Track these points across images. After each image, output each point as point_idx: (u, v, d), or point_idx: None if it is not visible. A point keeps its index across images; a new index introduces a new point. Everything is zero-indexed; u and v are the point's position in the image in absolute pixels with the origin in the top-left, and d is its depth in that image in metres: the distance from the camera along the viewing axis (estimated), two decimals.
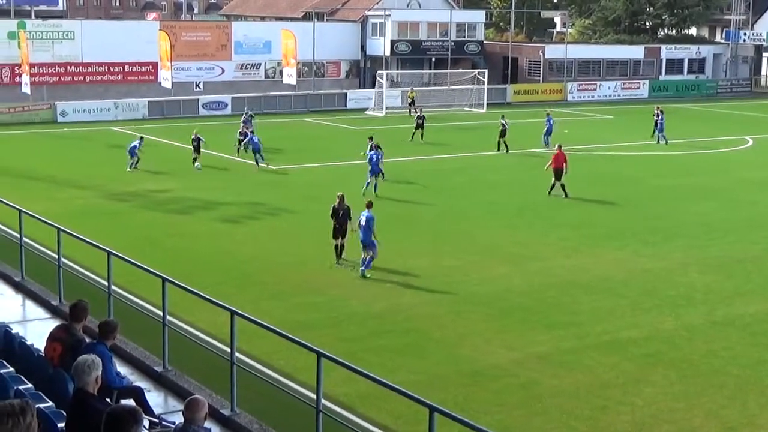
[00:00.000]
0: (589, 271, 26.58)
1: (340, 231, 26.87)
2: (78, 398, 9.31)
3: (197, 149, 43.08)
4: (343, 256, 26.72)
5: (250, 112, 52.50)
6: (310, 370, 12.39)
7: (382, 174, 37.33)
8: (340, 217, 26.84)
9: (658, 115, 53.32)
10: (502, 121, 48.89)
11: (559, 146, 38.26)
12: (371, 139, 39.31)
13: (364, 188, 35.58)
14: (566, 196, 36.60)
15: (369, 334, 21.13)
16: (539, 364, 19.40)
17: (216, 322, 18.60)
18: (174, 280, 14.98)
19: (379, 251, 25.77)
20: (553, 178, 37.29)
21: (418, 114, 52.43)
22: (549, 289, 24.78)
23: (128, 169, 40.78)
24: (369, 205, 26.53)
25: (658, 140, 52.40)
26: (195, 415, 9.58)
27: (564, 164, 37.21)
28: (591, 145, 50.95)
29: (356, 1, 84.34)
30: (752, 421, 16.83)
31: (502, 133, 48.39)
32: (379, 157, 36.98)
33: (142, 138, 42.66)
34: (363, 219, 25.86)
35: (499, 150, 48.21)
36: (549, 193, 36.99)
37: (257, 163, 42.17)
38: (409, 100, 66.63)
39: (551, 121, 51.33)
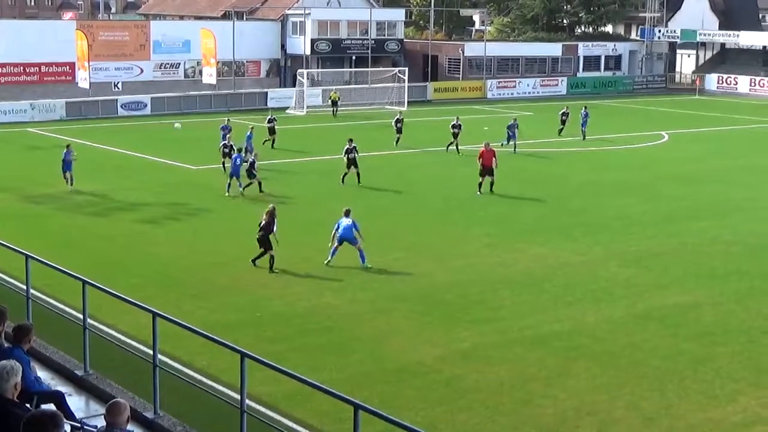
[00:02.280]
0: (512, 267, 26.85)
1: (261, 242, 26.32)
2: None
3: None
4: (272, 269, 26.10)
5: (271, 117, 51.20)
6: (234, 370, 12.31)
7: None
8: (263, 226, 26.34)
9: (566, 114, 54.97)
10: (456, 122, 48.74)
11: (487, 144, 38.40)
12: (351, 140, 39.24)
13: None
14: (491, 191, 37.06)
15: (293, 333, 21.08)
16: (463, 360, 19.54)
17: (138, 324, 18.40)
18: (94, 283, 14.77)
19: (279, 250, 25.80)
20: (480, 177, 37.43)
21: (398, 118, 51.12)
22: (472, 285, 24.97)
23: (70, 187, 36.90)
24: (347, 213, 26.83)
25: (584, 136, 53.41)
26: (117, 419, 9.47)
27: (493, 161, 37.40)
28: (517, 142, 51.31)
29: (276, 0, 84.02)
30: (670, 411, 17.14)
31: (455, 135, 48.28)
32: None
33: (68, 146, 38.08)
34: (341, 226, 26.41)
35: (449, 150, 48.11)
36: (479, 192, 37.18)
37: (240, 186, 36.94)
38: (331, 101, 66.49)
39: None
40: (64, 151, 37.35)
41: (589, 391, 17.94)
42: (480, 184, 37.39)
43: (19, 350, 11.80)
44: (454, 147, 47.37)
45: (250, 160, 37.14)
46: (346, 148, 38.85)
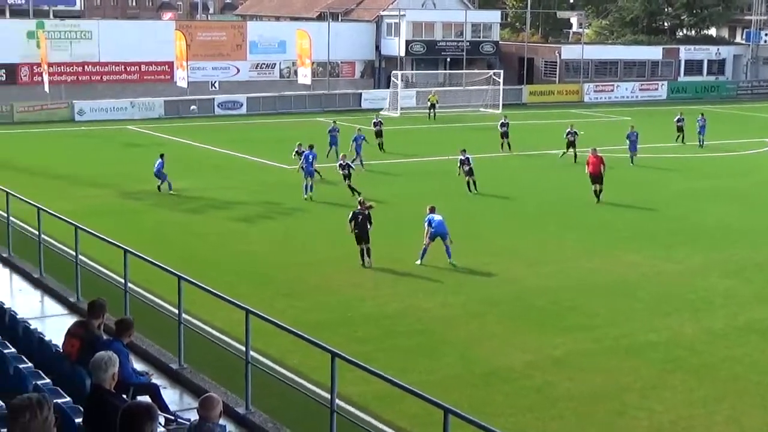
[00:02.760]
0: (606, 274, 26.44)
1: (362, 237, 26.62)
2: (95, 394, 9.30)
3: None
4: (367, 262, 26.50)
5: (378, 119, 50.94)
6: (324, 369, 12.34)
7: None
8: (360, 222, 26.65)
9: (681, 121, 53.25)
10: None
11: (594, 150, 37.38)
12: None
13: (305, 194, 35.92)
14: (598, 201, 36.15)
15: (383, 334, 21.08)
16: (554, 367, 19.29)
17: (231, 320, 18.54)
18: (190, 279, 14.95)
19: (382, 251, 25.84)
20: (592, 184, 36.50)
21: (502, 121, 50.45)
22: (565, 291, 24.65)
23: (170, 191, 36.72)
24: (432, 210, 26.93)
25: (701, 143, 52.19)
26: (210, 413, 9.56)
27: (601, 168, 36.40)
28: (608, 147, 50.64)
29: (371, 1, 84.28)
30: None
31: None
32: (314, 157, 36.90)
33: (162, 155, 37.82)
34: (434, 221, 26.52)
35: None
36: (597, 201, 36.25)
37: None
38: (429, 104, 66.27)
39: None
40: (159, 161, 37.26)
41: (686, 405, 17.54)
42: (595, 191, 36.33)
43: (118, 343, 12.02)
44: (572, 155, 45.68)
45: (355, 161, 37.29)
46: (459, 159, 38.16)
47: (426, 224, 26.77)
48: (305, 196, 35.76)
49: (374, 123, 49.79)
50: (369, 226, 26.68)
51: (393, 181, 40.49)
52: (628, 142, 46.27)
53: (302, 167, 36.54)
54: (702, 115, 54.16)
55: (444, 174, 40.74)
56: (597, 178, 36.37)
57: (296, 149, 39.59)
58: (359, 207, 27.14)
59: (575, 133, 46.46)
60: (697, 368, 19.43)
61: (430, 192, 37.55)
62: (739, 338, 21.41)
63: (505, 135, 48.35)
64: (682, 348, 20.61)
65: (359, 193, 33.70)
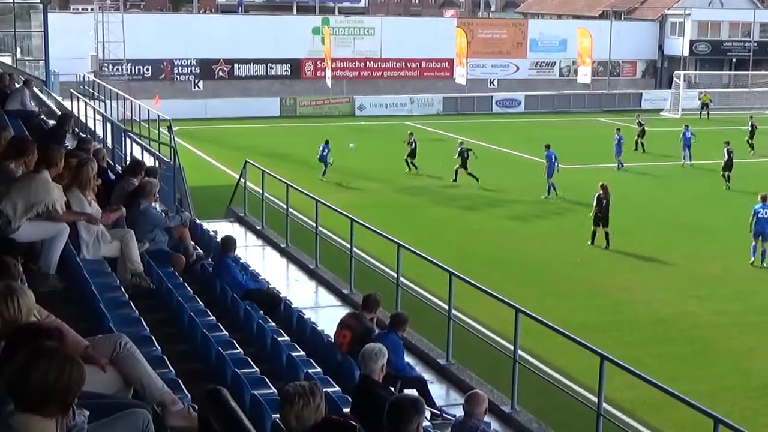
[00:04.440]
0: None
1: (600, 219, 28.27)
2: (363, 385, 9.63)
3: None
4: (608, 246, 28.07)
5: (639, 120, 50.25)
6: (592, 372, 12.29)
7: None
8: (603, 206, 28.13)
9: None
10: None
11: None
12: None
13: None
14: None
15: (652, 339, 20.75)
16: None
17: (499, 318, 18.72)
18: (460, 275, 15.19)
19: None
20: None
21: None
22: None
23: (322, 178, 38.31)
24: (764, 199, 26.76)
25: None
26: (475, 410, 9.71)
27: None
28: None
29: (655, 0, 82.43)
30: None
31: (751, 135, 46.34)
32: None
33: (327, 142, 39.57)
34: (764, 212, 26.37)
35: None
36: None
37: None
38: (701, 104, 64.31)
39: None
40: (322, 146, 38.98)
41: None
42: None
43: (395, 335, 12.39)
44: None
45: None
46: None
47: (751, 216, 26.72)
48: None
49: (638, 122, 48.74)
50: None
51: (666, 183, 39.57)
52: None
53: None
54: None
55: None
56: None
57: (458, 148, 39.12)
58: (601, 192, 28.46)
59: None
60: None
61: (701, 195, 36.58)
62: None
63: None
64: None
65: None
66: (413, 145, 41.08)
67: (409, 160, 41.11)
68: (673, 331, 21.39)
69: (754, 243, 26.55)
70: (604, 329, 20.87)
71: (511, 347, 13.71)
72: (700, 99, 64.91)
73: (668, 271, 26.13)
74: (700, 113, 63.28)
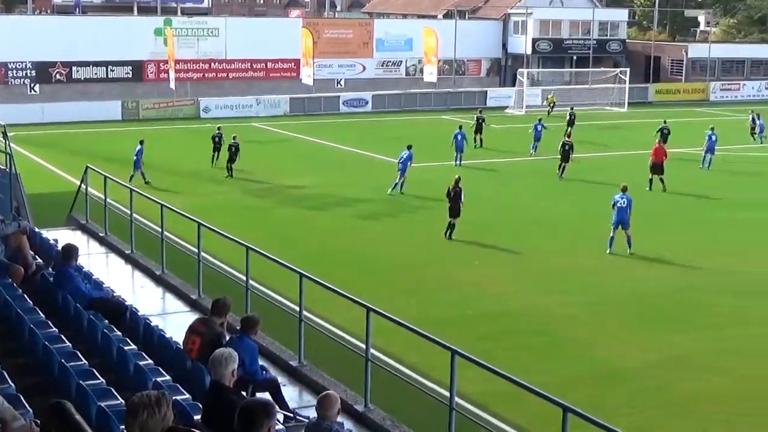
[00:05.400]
0: (735, 274, 25.98)
1: (452, 211, 28.89)
2: (214, 391, 9.43)
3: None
4: (452, 236, 28.86)
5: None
6: (444, 367, 12.32)
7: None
8: (452, 198, 28.88)
9: (754, 120, 52.29)
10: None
11: (660, 141, 39.26)
12: None
13: None
14: (664, 189, 36.83)
15: (503, 332, 21.06)
16: (675, 366, 19.18)
17: (351, 318, 18.67)
18: (310, 276, 15.08)
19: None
20: (651, 173, 37.35)
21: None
22: (690, 290, 24.37)
23: (145, 180, 36.93)
24: (624, 189, 27.92)
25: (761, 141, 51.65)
26: (328, 411, 9.62)
27: (663, 159, 37.47)
28: (733, 146, 49.64)
29: (498, 0, 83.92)
30: None
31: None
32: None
33: (142, 142, 38.39)
34: (623, 201, 27.41)
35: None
36: (649, 188, 36.80)
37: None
38: (549, 104, 65.60)
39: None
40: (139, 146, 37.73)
41: None
42: (661, 181, 37.19)
43: (247, 338, 12.20)
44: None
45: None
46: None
47: (612, 204, 27.83)
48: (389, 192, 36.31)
49: (476, 119, 49.19)
50: (460, 202, 28.83)
51: (506, 180, 40.29)
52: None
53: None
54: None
55: (577, 172, 40.43)
56: (658, 167, 37.37)
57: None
58: (454, 184, 29.22)
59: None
60: None
61: (542, 189, 37.37)
62: None
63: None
64: None
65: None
66: (233, 149, 39.93)
67: (230, 165, 39.90)
68: (523, 324, 21.74)
69: (612, 234, 27.30)
70: (455, 324, 21.05)
71: (364, 346, 13.66)
72: (547, 100, 66.00)
73: (518, 265, 26.59)
74: (548, 112, 64.33)
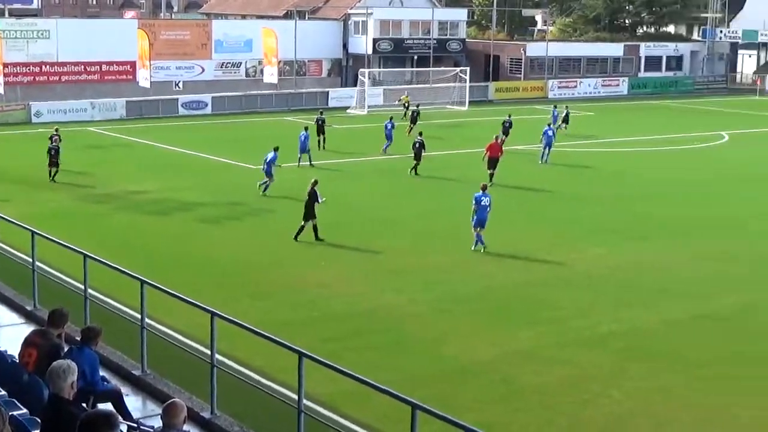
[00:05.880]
0: (572, 268, 26.61)
1: (307, 213, 28.69)
2: (53, 404, 9.09)
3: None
4: (318, 237, 28.70)
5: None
6: (292, 370, 12.22)
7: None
8: (308, 200, 28.73)
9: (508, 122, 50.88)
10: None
11: (497, 137, 40.24)
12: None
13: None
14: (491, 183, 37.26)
15: (351, 333, 21.00)
16: (521, 360, 19.48)
17: (195, 323, 18.35)
18: (152, 282, 14.75)
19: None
20: (488, 168, 38.40)
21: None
22: (531, 285, 24.83)
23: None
24: (484, 188, 28.26)
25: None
26: (174, 420, 9.42)
27: (499, 154, 38.77)
28: (573, 141, 50.98)
29: (338, 0, 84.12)
30: (727, 411, 17.09)
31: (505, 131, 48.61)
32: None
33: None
34: (486, 200, 27.71)
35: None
36: (490, 183, 37.13)
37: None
38: (403, 105, 65.68)
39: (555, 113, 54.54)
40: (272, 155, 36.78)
41: (646, 392, 17.83)
42: (491, 175, 38.11)
43: (87, 349, 11.84)
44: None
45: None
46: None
47: (473, 204, 27.99)
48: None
49: (317, 120, 48.35)
50: (315, 203, 28.67)
51: (351, 179, 40.40)
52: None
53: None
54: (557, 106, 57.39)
55: (420, 170, 40.75)
56: (494, 162, 38.73)
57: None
58: (310, 186, 29.09)
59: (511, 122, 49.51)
60: (655, 356, 19.77)
61: (388, 189, 37.63)
62: (697, 326, 21.82)
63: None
64: (643, 337, 20.99)
65: None
66: (53, 152, 38.73)
67: (51, 170, 38.73)
68: (371, 323, 21.76)
69: (475, 232, 27.64)
70: (302, 326, 20.93)
71: (209, 352, 13.43)
72: (400, 100, 65.67)
73: (367, 265, 26.63)
74: (404, 114, 64.07)
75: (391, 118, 48.85)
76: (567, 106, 58.97)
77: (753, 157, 48.47)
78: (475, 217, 27.86)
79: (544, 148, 44.37)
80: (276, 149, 36.77)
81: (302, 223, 28.84)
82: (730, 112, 71.96)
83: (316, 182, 29.38)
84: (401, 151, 43.63)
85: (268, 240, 29.56)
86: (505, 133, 47.80)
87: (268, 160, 36.30)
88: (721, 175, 42.58)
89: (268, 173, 36.26)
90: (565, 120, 54.42)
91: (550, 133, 44.75)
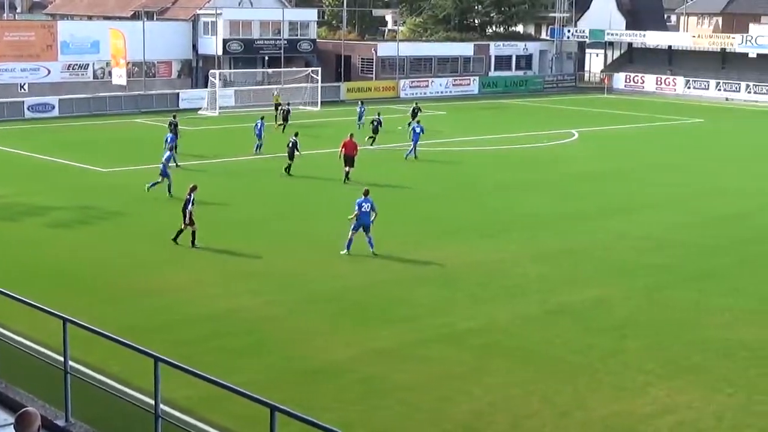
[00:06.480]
0: (428, 266, 26.94)
1: (184, 218, 28.23)
2: None
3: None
4: (177, 241, 28.43)
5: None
6: (148, 375, 12.13)
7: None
8: (184, 204, 28.34)
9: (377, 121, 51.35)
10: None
11: (351, 135, 40.60)
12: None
13: None
14: (347, 179, 38.73)
15: (207, 336, 20.90)
16: (379, 360, 19.60)
17: (48, 330, 18.00)
18: (2, 290, 14.45)
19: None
20: (345, 166, 39.13)
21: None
22: (388, 285, 25.05)
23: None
24: (366, 193, 28.07)
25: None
26: (27, 429, 9.26)
27: (354, 152, 39.38)
28: (427, 141, 51.56)
29: (187, 0, 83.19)
30: (583, 404, 17.46)
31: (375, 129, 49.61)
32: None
33: None
34: (366, 205, 27.52)
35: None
36: (345, 181, 38.54)
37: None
38: (275, 104, 65.20)
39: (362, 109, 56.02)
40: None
41: (504, 387, 18.16)
42: (346, 173, 39.06)
43: None
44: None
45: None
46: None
47: (355, 208, 27.82)
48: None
49: (170, 124, 47.19)
50: (188, 209, 28.16)
51: (206, 181, 40.13)
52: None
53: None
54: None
55: (268, 172, 40.70)
56: (350, 159, 39.39)
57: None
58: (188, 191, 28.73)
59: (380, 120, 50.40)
60: (513, 351, 20.15)
61: (241, 191, 37.52)
62: (551, 321, 22.34)
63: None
64: (499, 333, 21.37)
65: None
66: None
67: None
68: (228, 326, 21.66)
69: (351, 236, 27.56)
70: (158, 330, 20.75)
71: (62, 359, 13.24)
72: (274, 99, 64.94)
73: (224, 268, 26.44)
74: (276, 115, 63.28)
75: (262, 118, 48.79)
76: (416, 102, 60.00)
77: (601, 154, 49.93)
78: (355, 222, 27.84)
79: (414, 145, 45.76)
80: (171, 149, 37.93)
81: (181, 226, 28.39)
82: (580, 110, 73.82)
83: (194, 188, 28.83)
84: (273, 151, 43.56)
85: (123, 243, 29.15)
86: (375, 131, 49.02)
87: (163, 159, 36.18)
88: (570, 172, 43.63)
89: (165, 173, 35.91)
90: (414, 115, 54.74)
91: (417, 129, 45.86)
